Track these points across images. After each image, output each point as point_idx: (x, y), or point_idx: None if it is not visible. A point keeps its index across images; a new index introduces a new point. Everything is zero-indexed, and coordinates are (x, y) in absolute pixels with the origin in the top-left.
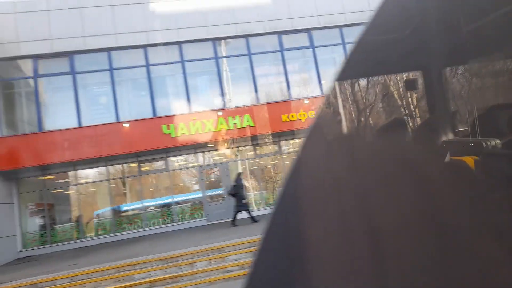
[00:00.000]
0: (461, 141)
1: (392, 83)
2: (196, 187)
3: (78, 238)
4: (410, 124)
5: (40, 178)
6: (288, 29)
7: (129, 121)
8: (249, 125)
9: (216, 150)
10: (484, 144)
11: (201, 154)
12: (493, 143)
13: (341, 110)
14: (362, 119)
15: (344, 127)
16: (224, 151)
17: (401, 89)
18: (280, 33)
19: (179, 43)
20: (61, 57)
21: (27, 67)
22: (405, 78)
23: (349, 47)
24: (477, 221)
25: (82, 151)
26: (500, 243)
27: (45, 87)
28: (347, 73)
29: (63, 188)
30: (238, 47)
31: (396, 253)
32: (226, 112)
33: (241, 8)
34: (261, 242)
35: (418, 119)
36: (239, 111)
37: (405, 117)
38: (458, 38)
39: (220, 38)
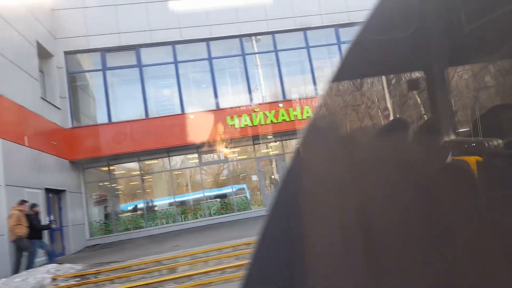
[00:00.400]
0: (463, 141)
1: (392, 83)
2: (254, 177)
3: (142, 227)
4: (411, 124)
5: (105, 168)
6: (344, 22)
7: (194, 112)
8: (309, 116)
9: (275, 141)
10: (486, 144)
11: (259, 145)
12: (495, 143)
13: (340, 111)
14: (362, 120)
15: (343, 128)
16: (283, 142)
17: (402, 90)
18: (337, 26)
19: (239, 36)
20: (128, 50)
21: (95, 60)
22: (406, 79)
23: (346, 46)
24: (477, 222)
25: (146, 142)
26: (500, 244)
27: (113, 80)
28: (345, 74)
29: (126, 178)
30: (296, 40)
31: (395, 253)
32: (286, 103)
33: (300, 1)
34: (258, 241)
35: (419, 120)
36: (300, 102)
37: (406, 117)
38: (460, 37)
39: (278, 32)
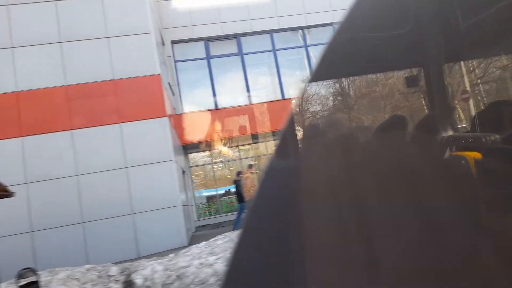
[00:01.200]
0: (461, 137)
1: (390, 81)
2: None
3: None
4: (408, 122)
5: (206, 152)
6: None
7: (294, 98)
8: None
9: None
10: (484, 140)
11: None
12: (492, 138)
13: (334, 111)
14: (358, 118)
15: (340, 127)
16: None
17: (399, 87)
18: None
19: (333, 24)
20: (229, 39)
21: (199, 49)
22: (403, 76)
23: (329, 45)
24: (476, 220)
25: (249, 128)
26: (498, 243)
27: (216, 68)
28: (339, 71)
29: (226, 162)
30: None
31: (391, 253)
32: None
33: None
34: (241, 240)
35: (417, 117)
36: None
37: (403, 115)
38: (456, 35)
39: None
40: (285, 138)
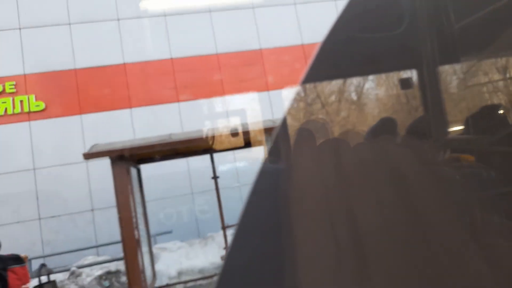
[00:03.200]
0: (455, 139)
1: (381, 82)
2: None
3: None
4: (400, 124)
5: None
6: None
7: None
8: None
9: None
10: (478, 142)
11: None
12: (487, 140)
13: (323, 113)
14: (349, 121)
15: (329, 131)
16: None
17: (391, 89)
18: None
19: None
20: None
21: None
22: (396, 77)
23: (322, 46)
24: (465, 223)
25: None
26: (488, 244)
27: None
28: (331, 73)
29: None
30: None
31: (381, 256)
32: None
33: None
34: (235, 242)
35: (410, 119)
36: None
37: (394, 118)
38: (449, 35)
39: None
40: (277, 141)
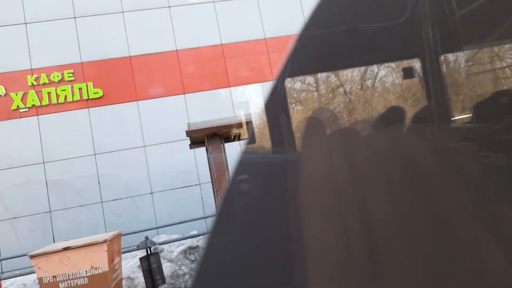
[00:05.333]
0: (458, 128)
1: (385, 72)
2: None
3: None
4: (407, 114)
5: None
6: None
7: None
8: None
9: None
10: (481, 130)
11: None
12: (491, 129)
13: (331, 103)
14: (355, 111)
15: (338, 121)
16: None
17: (396, 78)
18: None
19: None
20: None
21: None
22: (400, 67)
23: (323, 36)
24: (478, 214)
25: None
26: (500, 236)
27: None
28: (333, 64)
29: None
30: None
31: (394, 251)
32: None
33: None
34: (213, 237)
35: (414, 109)
36: None
37: (401, 107)
38: (452, 23)
39: None
40: (305, 134)
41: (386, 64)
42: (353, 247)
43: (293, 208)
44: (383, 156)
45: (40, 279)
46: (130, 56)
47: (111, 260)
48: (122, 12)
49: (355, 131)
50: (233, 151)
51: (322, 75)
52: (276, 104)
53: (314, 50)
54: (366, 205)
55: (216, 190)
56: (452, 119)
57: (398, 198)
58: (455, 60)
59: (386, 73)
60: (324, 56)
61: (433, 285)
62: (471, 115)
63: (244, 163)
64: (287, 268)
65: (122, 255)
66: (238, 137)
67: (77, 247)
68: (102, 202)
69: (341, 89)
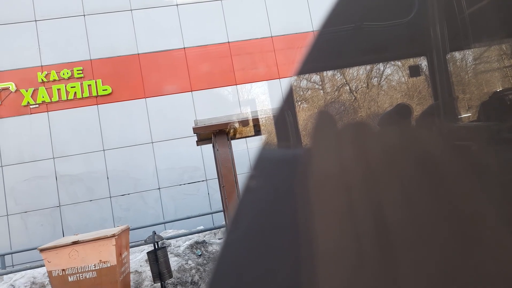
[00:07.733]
0: (465, 126)
1: (392, 69)
2: None
3: None
4: (415, 112)
5: None
6: None
7: None
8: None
9: None
10: (491, 129)
11: None
12: (499, 127)
13: (342, 99)
14: (364, 108)
15: (348, 117)
16: None
17: (403, 76)
18: None
19: None
20: None
21: None
22: (407, 64)
23: (330, 35)
24: (490, 210)
25: None
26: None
27: None
28: (339, 62)
29: None
30: None
31: (407, 250)
32: None
33: None
34: (229, 236)
35: (420, 107)
36: None
37: (408, 104)
38: (460, 21)
39: None
40: (314, 131)
41: (393, 62)
42: (374, 244)
43: (312, 204)
44: (398, 153)
45: (49, 272)
46: (138, 54)
47: (119, 254)
48: (131, 10)
49: (367, 126)
50: (239, 147)
51: (328, 73)
52: (291, 100)
53: (322, 48)
54: (391, 201)
55: (223, 186)
56: (459, 117)
57: (415, 195)
58: (462, 58)
59: (393, 71)
60: (332, 55)
61: (449, 282)
62: (477, 113)
63: (262, 158)
64: (308, 266)
65: (130, 249)
66: (244, 134)
67: (86, 241)
68: (110, 197)
69: (347, 87)
